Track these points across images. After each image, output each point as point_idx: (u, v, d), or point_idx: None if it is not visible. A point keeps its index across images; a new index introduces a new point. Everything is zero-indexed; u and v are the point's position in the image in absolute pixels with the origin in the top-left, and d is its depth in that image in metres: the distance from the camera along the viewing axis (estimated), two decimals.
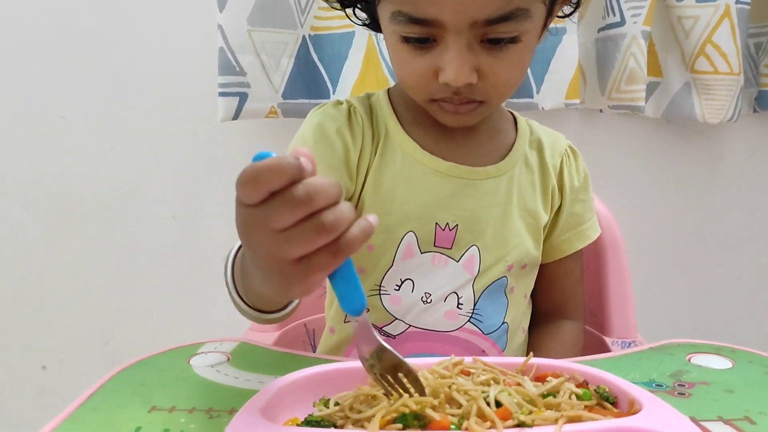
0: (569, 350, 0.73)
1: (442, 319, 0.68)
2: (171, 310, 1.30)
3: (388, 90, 0.74)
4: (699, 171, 1.29)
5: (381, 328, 0.69)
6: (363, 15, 0.70)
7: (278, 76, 1.12)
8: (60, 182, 1.26)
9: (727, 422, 0.43)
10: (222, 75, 1.09)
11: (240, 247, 0.53)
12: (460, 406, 0.40)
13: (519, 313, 0.73)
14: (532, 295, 0.77)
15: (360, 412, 0.41)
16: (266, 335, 0.83)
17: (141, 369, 0.55)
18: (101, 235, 1.28)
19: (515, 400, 0.40)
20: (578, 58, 1.15)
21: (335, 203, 0.36)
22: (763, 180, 1.30)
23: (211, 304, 1.26)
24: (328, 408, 0.43)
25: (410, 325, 0.68)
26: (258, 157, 0.35)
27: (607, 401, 0.43)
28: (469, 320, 0.69)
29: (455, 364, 0.47)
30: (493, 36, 0.58)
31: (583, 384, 0.45)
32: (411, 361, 0.43)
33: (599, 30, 1.18)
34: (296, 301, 0.54)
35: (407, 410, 0.39)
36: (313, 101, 1.14)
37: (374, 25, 0.70)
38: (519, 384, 0.43)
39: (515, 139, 0.74)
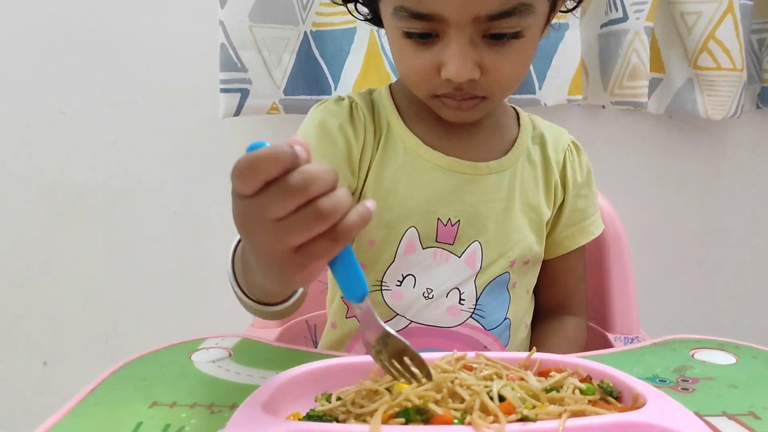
0: (572, 346, 0.73)
1: (444, 315, 0.68)
2: (172, 305, 1.30)
3: (390, 85, 0.74)
4: (701, 167, 1.29)
5: None
6: (365, 10, 0.70)
7: (280, 72, 1.12)
8: (61, 178, 1.26)
9: (731, 417, 0.43)
10: (223, 71, 1.08)
11: (240, 240, 0.53)
12: (462, 400, 0.40)
13: (521, 309, 0.73)
14: (534, 291, 0.77)
15: (362, 406, 0.41)
16: (268, 332, 0.83)
17: (142, 364, 0.55)
18: (102, 230, 1.28)
19: (518, 395, 0.40)
20: (581, 54, 1.14)
21: (332, 190, 0.35)
22: (765, 176, 1.30)
23: (213, 299, 1.26)
24: (330, 403, 0.43)
25: (412, 321, 0.68)
26: (252, 147, 0.34)
27: (610, 396, 0.43)
28: (471, 316, 0.68)
29: (458, 359, 0.46)
30: (495, 31, 0.58)
31: (587, 379, 0.45)
32: None
33: (602, 26, 1.18)
34: (299, 293, 0.54)
35: (410, 404, 0.39)
36: (314, 97, 1.14)
37: (376, 20, 0.69)
38: (522, 379, 0.43)
39: (518, 134, 0.73)
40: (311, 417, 0.41)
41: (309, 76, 1.15)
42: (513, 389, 0.40)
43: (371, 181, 0.68)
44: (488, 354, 0.48)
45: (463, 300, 0.68)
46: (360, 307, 0.41)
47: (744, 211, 1.31)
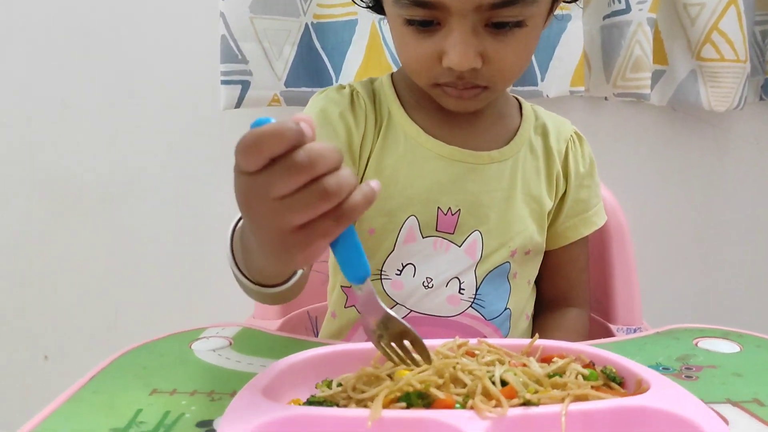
0: (574, 337, 0.72)
1: (443, 305, 0.68)
2: (174, 298, 1.30)
3: (392, 74, 0.74)
4: (704, 159, 1.28)
5: None
6: None
7: (281, 64, 1.12)
8: (62, 171, 1.26)
9: (735, 404, 0.43)
10: (224, 63, 1.08)
11: (238, 221, 0.52)
12: (464, 385, 0.39)
13: (522, 299, 0.73)
14: (536, 283, 0.76)
15: (363, 392, 0.40)
16: (269, 323, 0.82)
17: (142, 353, 0.55)
18: (104, 223, 1.27)
19: (521, 380, 0.39)
20: (583, 46, 1.14)
21: (336, 168, 0.35)
22: None
23: (214, 292, 1.25)
24: (330, 389, 0.43)
25: (411, 310, 0.68)
26: (257, 124, 0.34)
27: (613, 382, 0.42)
28: (471, 305, 0.68)
29: (459, 346, 0.46)
30: (498, 20, 0.57)
31: (590, 365, 0.45)
32: None
33: (604, 17, 1.17)
34: (298, 275, 0.53)
35: (411, 389, 0.38)
36: (315, 89, 1.13)
37: (378, 8, 0.69)
38: (524, 365, 0.43)
39: (520, 124, 0.73)
40: (312, 403, 0.41)
41: (310, 68, 1.14)
42: (515, 374, 0.40)
43: (371, 169, 0.68)
44: (490, 341, 0.47)
45: (463, 289, 0.68)
46: (361, 289, 0.41)
47: (747, 203, 1.30)
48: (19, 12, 1.20)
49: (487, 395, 0.38)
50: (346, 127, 0.67)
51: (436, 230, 0.67)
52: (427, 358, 0.42)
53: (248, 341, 0.58)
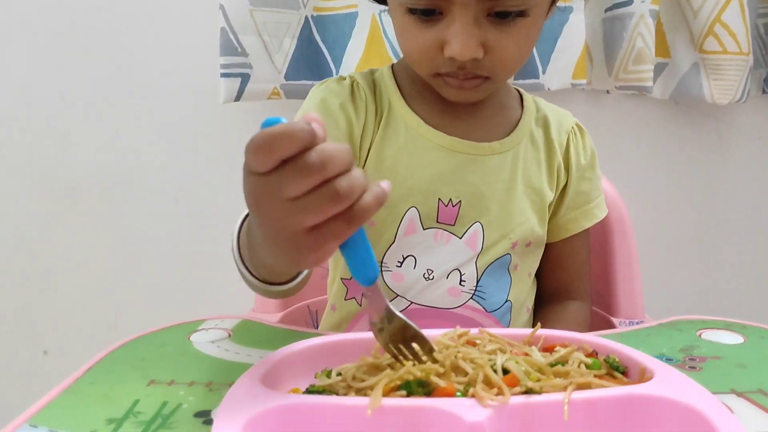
0: (575, 330, 0.71)
1: (444, 296, 0.67)
2: (174, 294, 1.29)
3: (393, 65, 0.73)
4: (706, 152, 1.27)
5: None
6: None
7: (281, 56, 1.11)
8: (61, 166, 1.25)
9: (740, 395, 0.42)
10: (224, 56, 1.07)
11: (245, 218, 0.52)
12: (466, 374, 0.39)
13: (523, 291, 0.72)
14: (538, 275, 0.76)
15: (363, 381, 0.40)
16: (269, 316, 0.82)
17: (140, 344, 0.55)
18: (103, 218, 1.27)
19: (523, 369, 0.39)
20: (585, 38, 1.13)
21: (348, 170, 0.35)
22: None
23: (215, 288, 1.25)
24: (330, 379, 0.42)
25: (412, 302, 0.68)
26: (267, 123, 0.34)
27: (617, 371, 0.42)
28: (471, 297, 0.68)
29: (460, 336, 0.46)
30: (500, 9, 0.57)
31: (593, 354, 0.44)
32: None
33: (606, 9, 1.16)
34: (305, 273, 0.53)
35: (411, 378, 0.38)
36: (315, 82, 1.11)
37: None
38: (526, 354, 0.42)
39: (521, 115, 0.72)
40: (311, 392, 0.40)
41: (310, 61, 1.14)
42: (517, 363, 0.39)
43: (372, 160, 0.67)
44: (491, 330, 0.47)
45: (464, 281, 0.67)
46: (370, 290, 0.40)
47: (749, 196, 1.29)
48: (18, 9, 1.19)
49: (488, 383, 0.37)
50: (347, 118, 0.66)
51: (437, 222, 0.67)
52: (430, 351, 0.41)
53: (247, 333, 0.57)
